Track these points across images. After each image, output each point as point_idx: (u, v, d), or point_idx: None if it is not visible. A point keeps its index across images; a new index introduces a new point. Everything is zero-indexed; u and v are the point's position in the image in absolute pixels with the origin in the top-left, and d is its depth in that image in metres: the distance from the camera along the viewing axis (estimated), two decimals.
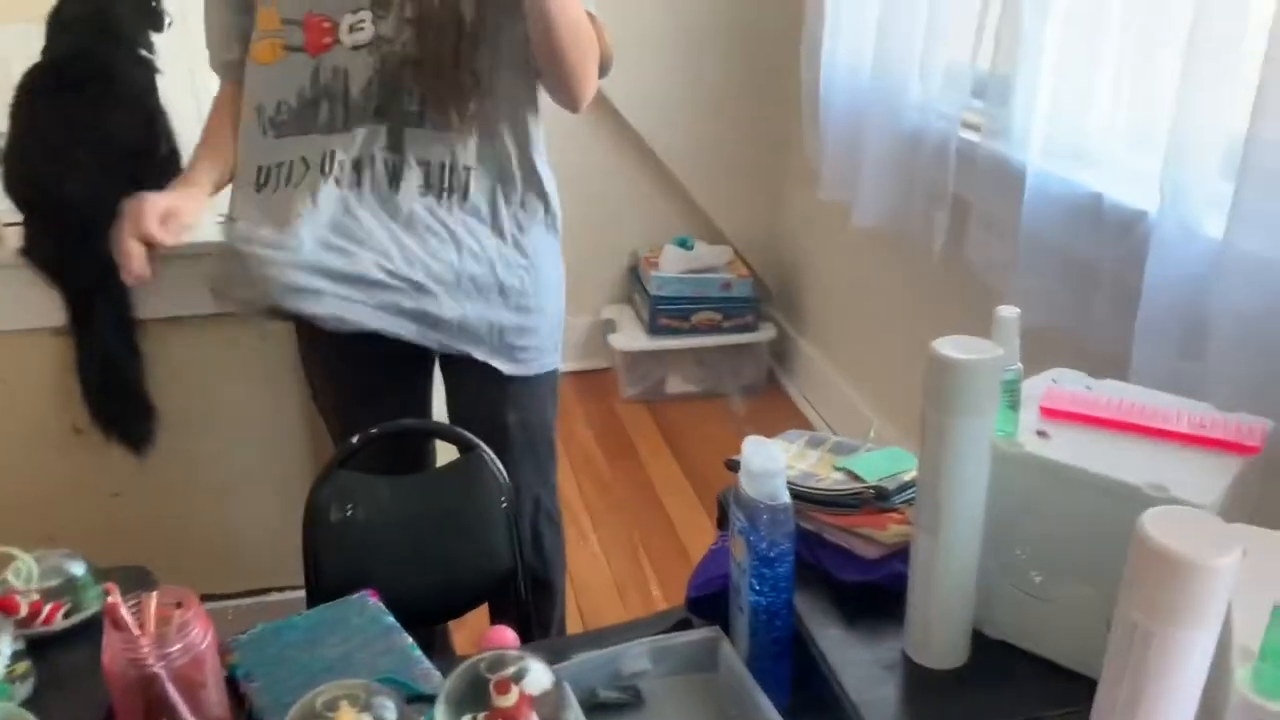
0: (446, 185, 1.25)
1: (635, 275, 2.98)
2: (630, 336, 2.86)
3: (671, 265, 2.80)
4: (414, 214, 1.25)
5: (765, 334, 2.91)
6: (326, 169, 1.22)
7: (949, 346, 0.76)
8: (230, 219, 1.31)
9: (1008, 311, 0.82)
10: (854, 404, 2.59)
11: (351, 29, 1.20)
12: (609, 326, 2.96)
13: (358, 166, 1.23)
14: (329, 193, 1.22)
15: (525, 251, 1.32)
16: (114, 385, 1.62)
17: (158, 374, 1.64)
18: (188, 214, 1.22)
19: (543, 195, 1.33)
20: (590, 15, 1.21)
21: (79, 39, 1.51)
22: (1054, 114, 1.62)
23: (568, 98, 1.24)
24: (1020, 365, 0.83)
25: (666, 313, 2.81)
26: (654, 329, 2.83)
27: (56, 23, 1.55)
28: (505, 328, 1.33)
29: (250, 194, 1.27)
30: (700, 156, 2.92)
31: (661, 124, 2.85)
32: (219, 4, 1.32)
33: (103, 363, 1.60)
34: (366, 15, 1.20)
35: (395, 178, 1.24)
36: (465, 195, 1.26)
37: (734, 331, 2.87)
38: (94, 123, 1.49)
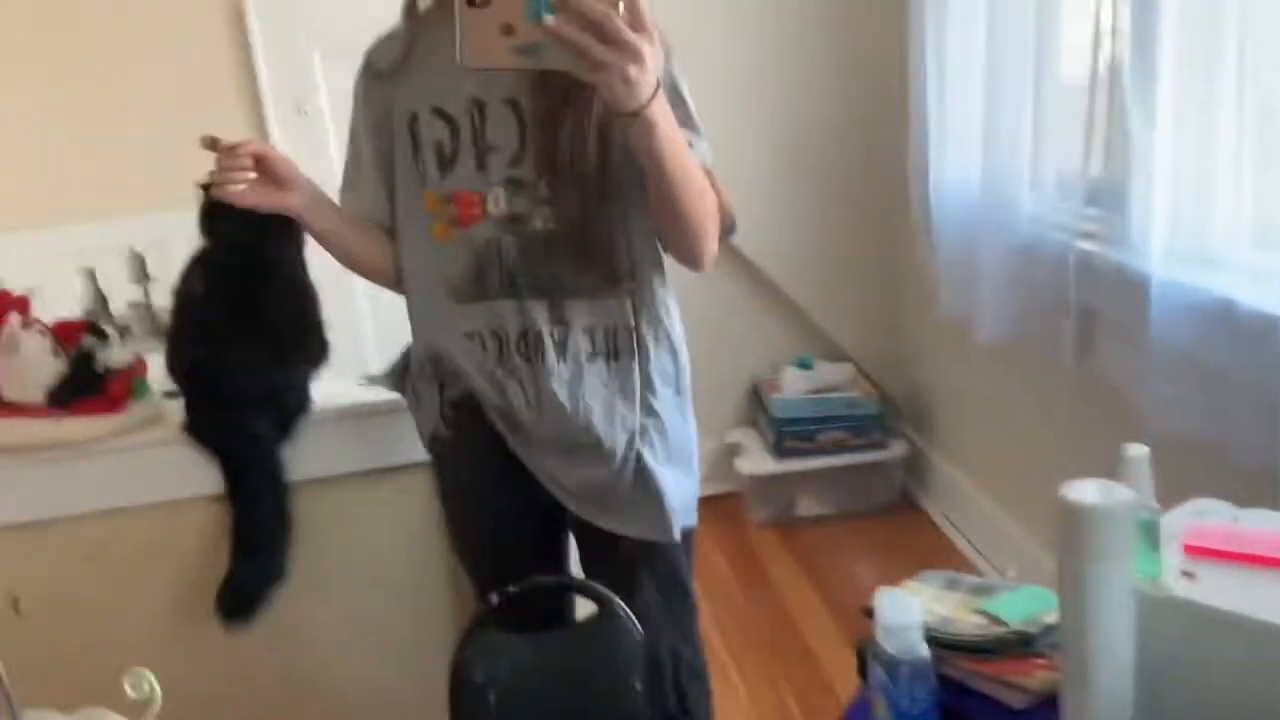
0: (608, 349, 1.32)
1: (757, 398, 2.99)
2: (757, 460, 2.86)
3: (793, 387, 2.81)
4: (581, 377, 1.33)
5: (896, 451, 2.87)
6: (511, 347, 1.33)
7: (1077, 491, 0.75)
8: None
9: (1136, 451, 0.81)
10: (995, 520, 2.52)
11: (495, 202, 1.29)
12: (734, 450, 2.96)
13: (533, 341, 1.32)
14: (531, 375, 1.33)
15: (658, 413, 1.36)
16: (261, 553, 1.69)
17: (301, 535, 1.71)
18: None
19: (674, 354, 1.38)
20: (709, 173, 1.25)
21: (240, 225, 1.64)
22: (1174, 218, 1.59)
23: (690, 256, 1.29)
24: (1156, 504, 0.81)
25: (792, 435, 2.80)
26: (780, 452, 2.82)
27: (216, 208, 1.68)
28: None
29: (477, 355, 1.37)
30: (813, 275, 2.95)
31: (772, 247, 2.90)
32: (365, 169, 1.42)
33: (253, 530, 1.68)
34: (501, 192, 1.28)
35: (562, 349, 1.32)
36: (617, 357, 1.33)
37: (863, 450, 2.84)
38: (251, 306, 1.60)
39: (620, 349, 1.33)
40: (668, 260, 1.36)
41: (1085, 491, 0.75)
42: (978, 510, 2.61)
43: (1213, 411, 1.48)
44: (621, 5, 1.00)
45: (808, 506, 2.88)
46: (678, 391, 1.41)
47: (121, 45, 2.64)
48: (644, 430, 1.36)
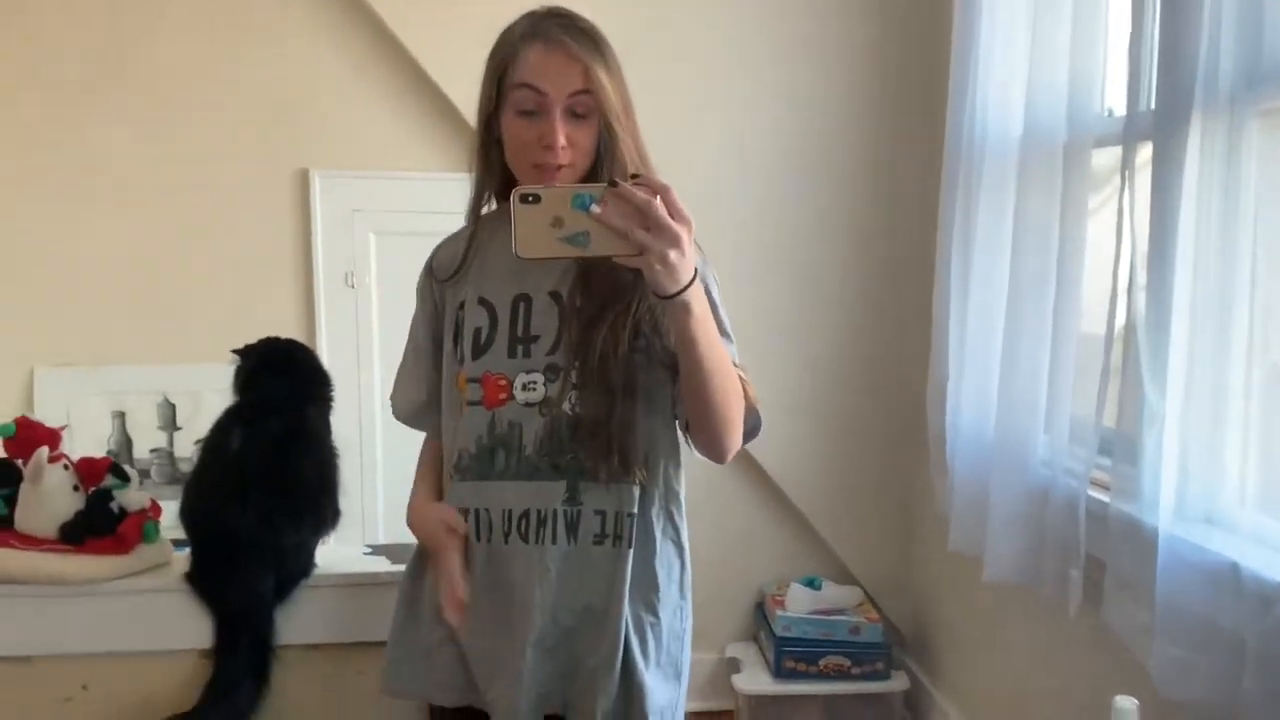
0: (616, 534, 1.35)
1: (761, 613, 2.95)
2: (755, 679, 2.79)
3: (799, 605, 2.77)
4: (587, 558, 1.35)
5: (898, 684, 2.79)
6: (509, 526, 1.36)
7: None
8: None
9: (1126, 703, 0.80)
10: None
11: (524, 388, 1.34)
12: (733, 665, 2.89)
13: (542, 522, 1.35)
14: (528, 559, 1.36)
15: (658, 613, 1.37)
16: (228, 710, 1.66)
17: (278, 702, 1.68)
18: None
19: (681, 552, 1.41)
20: (738, 368, 1.31)
21: (277, 381, 1.70)
22: (1182, 476, 1.61)
23: (714, 446, 1.32)
24: None
25: (793, 655, 2.74)
26: (779, 672, 2.75)
27: (250, 372, 1.75)
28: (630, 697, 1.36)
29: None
30: (828, 495, 2.96)
31: (791, 463, 2.93)
32: (420, 364, 1.51)
33: (225, 687, 1.65)
34: (539, 378, 1.34)
35: (573, 528, 1.34)
36: (629, 544, 1.35)
37: (864, 679, 2.76)
38: (281, 466, 1.64)
39: (630, 536, 1.35)
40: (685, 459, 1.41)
41: None
42: None
43: (1220, 677, 1.45)
44: (659, 198, 1.09)
45: None
46: (681, 594, 1.42)
47: (187, 199, 2.77)
48: (639, 625, 1.36)
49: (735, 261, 2.79)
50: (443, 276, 1.44)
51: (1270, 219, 1.54)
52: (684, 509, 1.43)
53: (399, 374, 1.54)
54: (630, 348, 1.32)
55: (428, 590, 1.42)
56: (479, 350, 1.37)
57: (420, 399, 1.49)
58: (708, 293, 1.30)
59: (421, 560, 1.46)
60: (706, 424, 1.29)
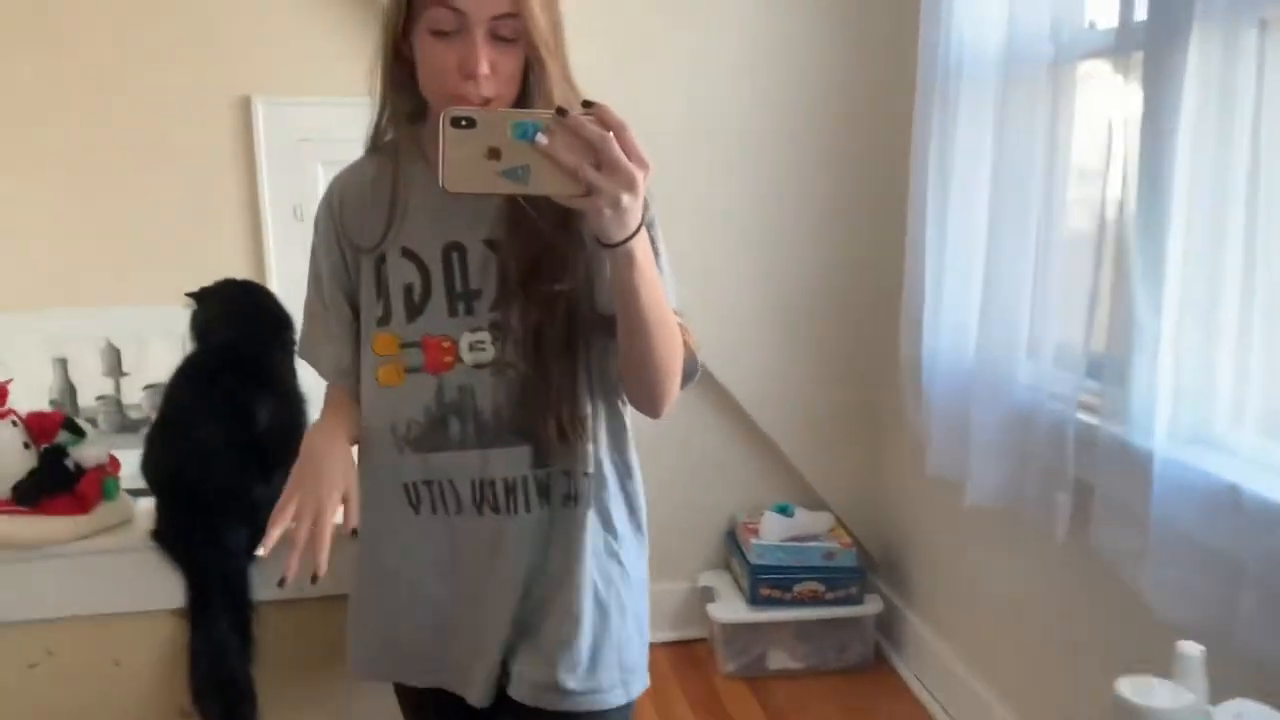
0: (579, 492, 1.25)
1: (734, 541, 2.94)
2: (730, 607, 2.78)
3: (772, 533, 2.76)
4: (554, 522, 1.26)
5: (871, 607, 2.81)
6: (479, 497, 1.25)
7: (1139, 692, 0.71)
8: (366, 544, 1.32)
9: (1191, 649, 0.77)
10: (969, 685, 2.45)
11: (472, 348, 1.22)
12: (706, 595, 2.89)
13: (510, 489, 1.24)
14: (497, 528, 1.26)
15: (621, 561, 1.30)
16: (221, 671, 1.60)
17: (265, 657, 1.62)
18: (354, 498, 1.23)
19: (637, 493, 1.32)
20: (678, 315, 1.20)
21: (234, 334, 1.60)
22: (1178, 399, 1.60)
23: (649, 401, 1.22)
24: (1209, 708, 0.77)
25: (767, 582, 2.74)
26: (754, 599, 2.75)
27: (208, 317, 1.64)
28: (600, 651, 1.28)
29: (408, 515, 1.28)
30: (799, 421, 2.93)
31: (760, 389, 2.89)
32: (334, 322, 1.33)
33: (214, 648, 1.59)
34: (485, 336, 1.22)
35: (544, 492, 1.25)
36: (589, 500, 1.26)
37: (837, 604, 2.78)
38: (242, 417, 1.55)
39: (590, 491, 1.26)
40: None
41: (1149, 694, 0.71)
42: (953, 676, 2.55)
43: (1218, 598, 1.45)
44: (613, 134, 0.97)
45: (779, 659, 2.80)
46: (638, 530, 1.34)
47: (123, 130, 2.63)
48: (608, 578, 1.29)
49: (702, 187, 2.71)
50: (355, 225, 1.27)
51: (1268, 129, 1.50)
52: (633, 446, 1.32)
53: (310, 327, 1.36)
54: (570, 298, 1.20)
55: (387, 562, 1.33)
56: (414, 310, 1.23)
57: (345, 362, 1.32)
58: (650, 232, 1.16)
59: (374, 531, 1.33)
60: (643, 378, 1.19)
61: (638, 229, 1.03)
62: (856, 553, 2.81)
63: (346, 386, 1.33)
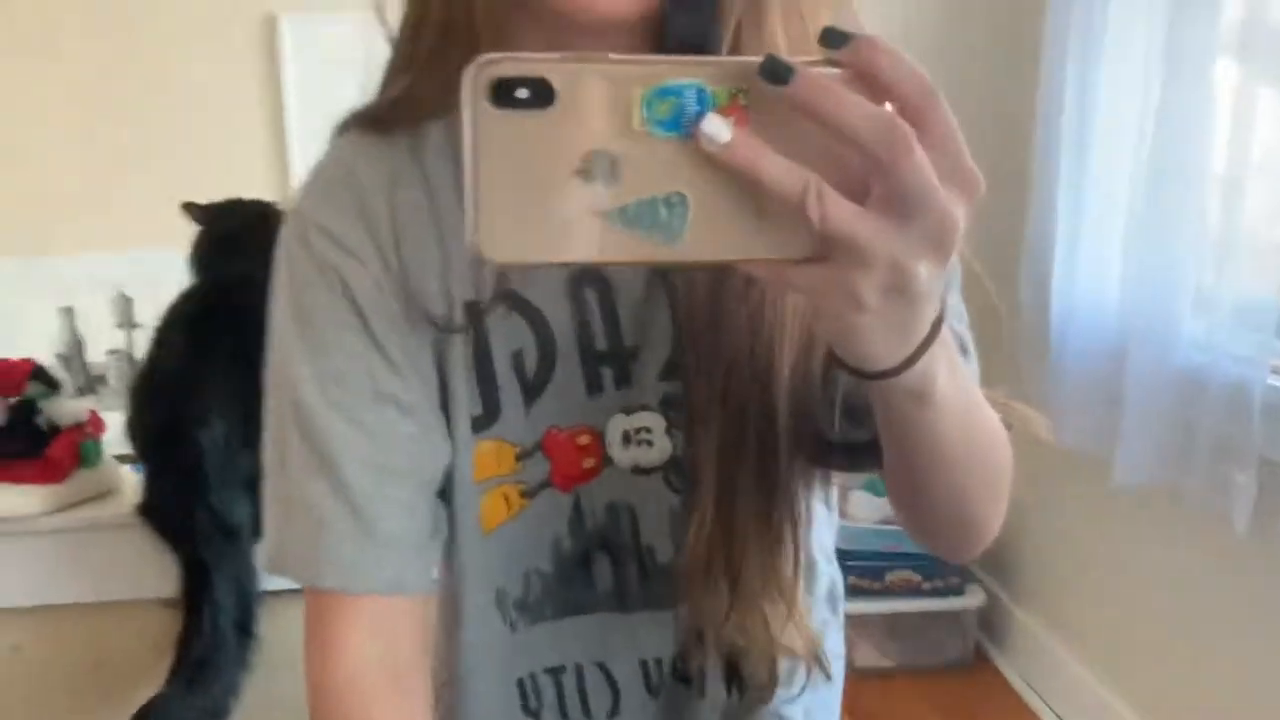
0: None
1: None
2: None
3: (862, 514, 2.45)
4: None
5: (973, 599, 2.50)
6: (650, 684, 0.79)
7: None
8: None
9: None
10: (1090, 688, 2.14)
11: (628, 440, 0.73)
12: None
13: (686, 675, 0.78)
14: None
15: None
16: (209, 674, 1.33)
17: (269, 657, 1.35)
18: None
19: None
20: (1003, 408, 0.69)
21: (241, 258, 1.33)
22: None
23: (957, 549, 0.73)
24: None
25: (856, 570, 2.43)
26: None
27: (211, 243, 1.38)
28: None
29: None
30: None
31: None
32: (396, 487, 0.69)
33: (210, 643, 1.31)
34: (651, 419, 0.72)
35: (734, 673, 0.77)
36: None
37: (934, 595, 2.47)
38: (243, 364, 1.26)
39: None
40: None
41: None
42: (1070, 675, 2.23)
43: None
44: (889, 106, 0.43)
45: (867, 656, 2.49)
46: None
47: (135, 57, 2.46)
48: None
49: None
50: (421, 273, 0.68)
51: None
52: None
53: (318, 529, 0.67)
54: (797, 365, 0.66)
55: None
56: (530, 392, 0.72)
57: (426, 560, 0.71)
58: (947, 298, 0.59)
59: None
60: (942, 531, 0.71)
61: (933, 330, 0.50)
62: None
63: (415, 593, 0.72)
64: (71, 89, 2.41)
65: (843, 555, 2.38)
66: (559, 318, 0.70)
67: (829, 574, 0.82)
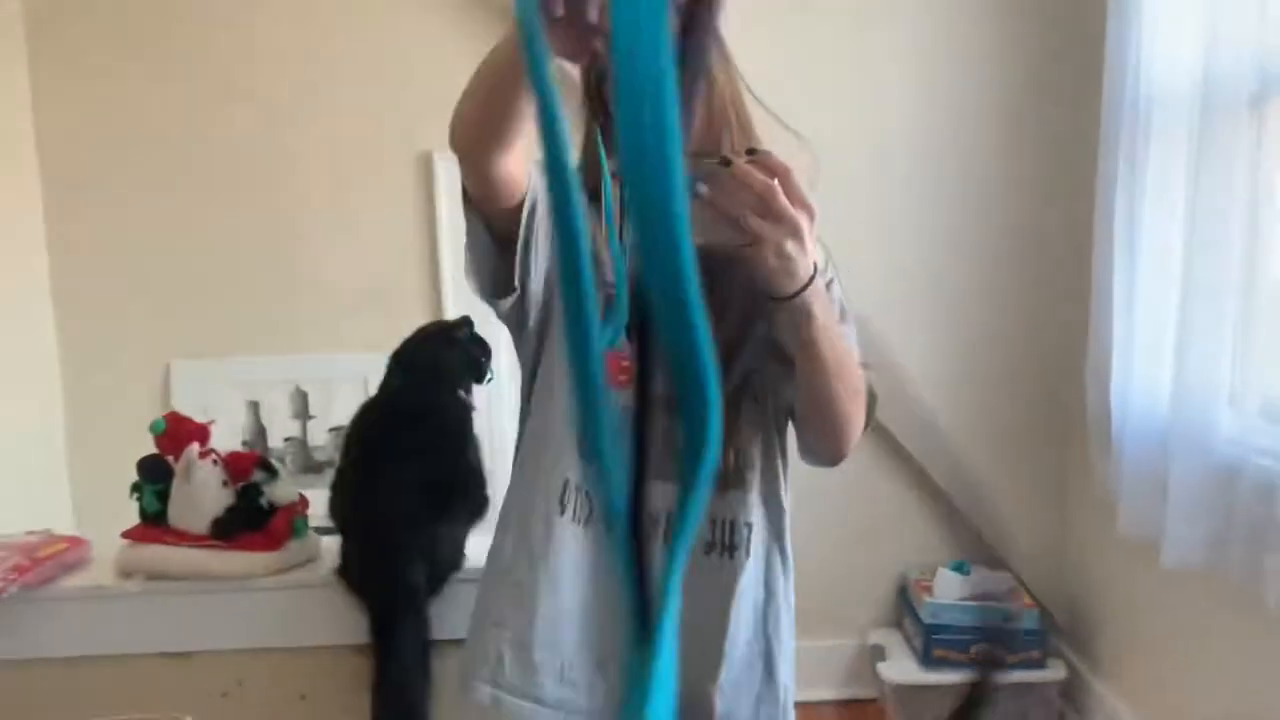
0: (728, 542, 1.20)
1: (905, 599, 2.83)
2: (901, 667, 2.68)
3: (948, 592, 2.65)
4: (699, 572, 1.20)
5: (1054, 673, 2.65)
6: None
7: None
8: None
9: None
10: None
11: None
12: (877, 653, 2.79)
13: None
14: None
15: (781, 635, 1.25)
16: (403, 705, 1.64)
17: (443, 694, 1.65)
18: None
19: (789, 564, 1.26)
20: (864, 368, 1.14)
21: (413, 381, 1.65)
22: None
23: (829, 453, 1.16)
24: None
25: (942, 643, 2.62)
26: (927, 660, 2.64)
27: (396, 365, 1.70)
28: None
29: (561, 522, 1.22)
30: (978, 477, 2.82)
31: (936, 444, 2.79)
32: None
33: (397, 683, 1.63)
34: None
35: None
36: (747, 554, 1.21)
37: (1018, 668, 2.63)
38: (418, 454, 1.59)
39: (746, 546, 1.21)
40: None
41: None
42: None
43: None
44: (777, 182, 0.95)
45: None
46: (789, 609, 1.26)
47: (310, 188, 2.77)
48: (769, 650, 1.23)
49: (878, 230, 2.66)
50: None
51: None
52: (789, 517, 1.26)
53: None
54: (740, 343, 1.18)
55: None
56: (608, 313, 1.20)
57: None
58: (829, 290, 1.15)
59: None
60: (823, 428, 1.13)
61: (811, 279, 0.99)
62: (1040, 615, 2.66)
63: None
64: (254, 218, 2.78)
65: (931, 628, 2.66)
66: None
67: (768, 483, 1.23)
